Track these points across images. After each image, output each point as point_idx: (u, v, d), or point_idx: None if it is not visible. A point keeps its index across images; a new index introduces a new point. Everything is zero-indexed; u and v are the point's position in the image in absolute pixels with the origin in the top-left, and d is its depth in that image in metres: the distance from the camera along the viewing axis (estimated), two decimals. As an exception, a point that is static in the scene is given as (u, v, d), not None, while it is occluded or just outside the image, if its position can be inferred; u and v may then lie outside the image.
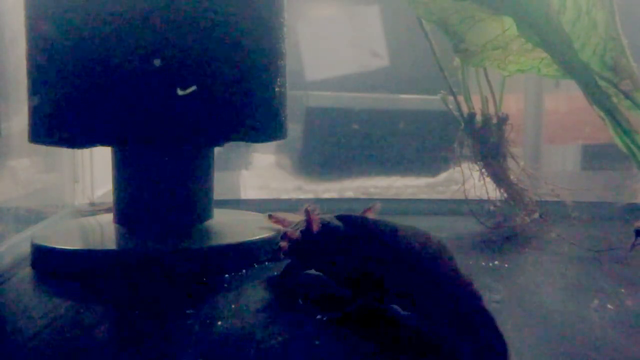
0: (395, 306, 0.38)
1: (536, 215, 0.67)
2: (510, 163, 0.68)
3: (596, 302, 0.42)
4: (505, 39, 0.60)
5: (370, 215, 0.47)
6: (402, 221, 0.39)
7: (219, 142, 0.55)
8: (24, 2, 0.53)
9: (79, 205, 0.80)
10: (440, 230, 0.67)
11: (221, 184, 0.64)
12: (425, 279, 0.34)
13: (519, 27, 0.55)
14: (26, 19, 0.53)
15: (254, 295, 0.44)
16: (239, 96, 0.52)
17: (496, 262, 0.52)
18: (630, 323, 0.38)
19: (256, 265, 0.52)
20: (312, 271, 0.46)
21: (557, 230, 0.63)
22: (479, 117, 0.68)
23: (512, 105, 0.97)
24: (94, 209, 0.77)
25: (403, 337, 0.36)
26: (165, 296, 0.45)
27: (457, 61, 0.66)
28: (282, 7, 0.57)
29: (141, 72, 0.49)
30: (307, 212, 0.43)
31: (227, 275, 0.49)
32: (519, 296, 0.44)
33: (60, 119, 0.51)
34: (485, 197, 0.68)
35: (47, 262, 0.51)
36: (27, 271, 0.51)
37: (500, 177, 0.68)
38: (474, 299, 0.32)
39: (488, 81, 0.68)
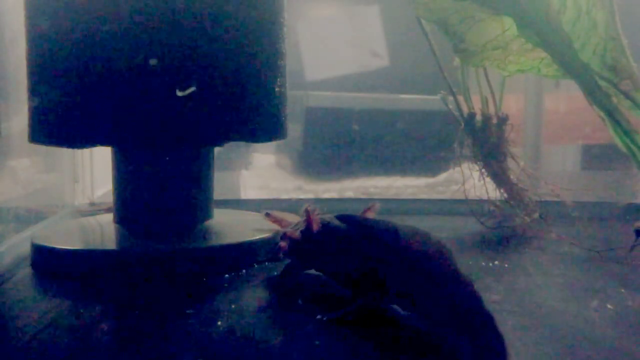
0: (395, 306, 0.38)
1: (536, 215, 0.67)
2: (510, 163, 0.68)
3: (596, 302, 0.42)
4: (505, 39, 0.60)
5: (370, 215, 0.47)
6: (402, 221, 0.39)
7: (218, 142, 0.55)
8: (24, 2, 0.54)
9: (79, 205, 0.80)
10: (440, 230, 0.67)
11: (221, 184, 0.64)
12: (425, 279, 0.34)
13: (519, 27, 0.55)
14: (26, 19, 0.53)
15: (254, 295, 0.44)
16: (239, 96, 0.52)
17: (496, 262, 0.52)
18: (630, 323, 0.38)
19: (256, 265, 0.52)
20: (312, 271, 0.46)
21: (557, 230, 0.63)
22: (479, 117, 0.68)
23: (512, 105, 0.97)
24: (94, 209, 0.77)
25: (403, 337, 0.36)
26: (165, 296, 0.45)
27: (457, 61, 0.66)
28: (282, 7, 0.57)
29: (141, 72, 0.49)
30: (307, 212, 0.43)
31: (227, 275, 0.49)
32: (519, 296, 0.44)
33: (60, 119, 0.51)
34: (485, 197, 0.68)
35: (47, 262, 0.51)
36: (27, 271, 0.51)
37: (500, 177, 0.68)
38: (474, 299, 0.32)
39: (488, 81, 0.68)
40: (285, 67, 0.58)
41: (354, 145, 1.15)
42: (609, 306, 0.41)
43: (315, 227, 0.43)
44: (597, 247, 0.56)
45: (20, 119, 0.61)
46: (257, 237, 0.53)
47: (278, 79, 0.56)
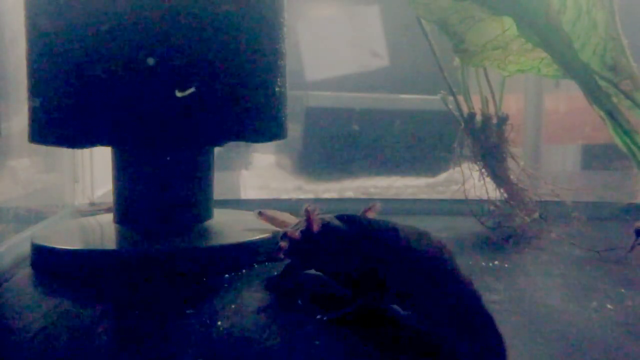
0: (395, 306, 0.38)
1: (536, 215, 0.67)
2: (510, 163, 0.68)
3: (596, 302, 0.42)
4: (505, 39, 0.60)
5: (370, 215, 0.47)
6: (402, 221, 0.39)
7: (218, 142, 0.55)
8: (24, 2, 0.54)
9: (79, 205, 0.80)
10: (440, 230, 0.67)
11: (221, 184, 0.64)
12: (425, 279, 0.34)
13: (519, 27, 0.55)
14: (26, 19, 0.53)
15: (254, 295, 0.44)
16: (239, 96, 0.52)
17: (496, 262, 0.52)
18: (630, 323, 0.38)
19: (256, 265, 0.52)
20: (312, 271, 0.46)
21: (557, 230, 0.63)
22: (479, 117, 0.68)
23: (512, 105, 0.97)
24: (94, 209, 0.77)
25: (403, 337, 0.36)
26: (165, 296, 0.45)
27: (457, 61, 0.66)
28: (282, 7, 0.57)
29: (141, 72, 0.49)
30: (307, 212, 0.43)
31: (227, 275, 0.49)
32: (519, 296, 0.44)
33: (60, 119, 0.51)
34: (485, 197, 0.68)
35: (47, 262, 0.51)
36: (27, 271, 0.51)
37: (500, 177, 0.68)
38: (474, 299, 0.32)
39: (488, 81, 0.68)
40: (285, 67, 0.58)
41: (354, 145, 1.15)
42: (609, 306, 0.41)
43: (316, 227, 0.43)
44: (597, 247, 0.56)
45: (20, 119, 0.61)
46: (257, 237, 0.53)
47: (278, 79, 0.56)
